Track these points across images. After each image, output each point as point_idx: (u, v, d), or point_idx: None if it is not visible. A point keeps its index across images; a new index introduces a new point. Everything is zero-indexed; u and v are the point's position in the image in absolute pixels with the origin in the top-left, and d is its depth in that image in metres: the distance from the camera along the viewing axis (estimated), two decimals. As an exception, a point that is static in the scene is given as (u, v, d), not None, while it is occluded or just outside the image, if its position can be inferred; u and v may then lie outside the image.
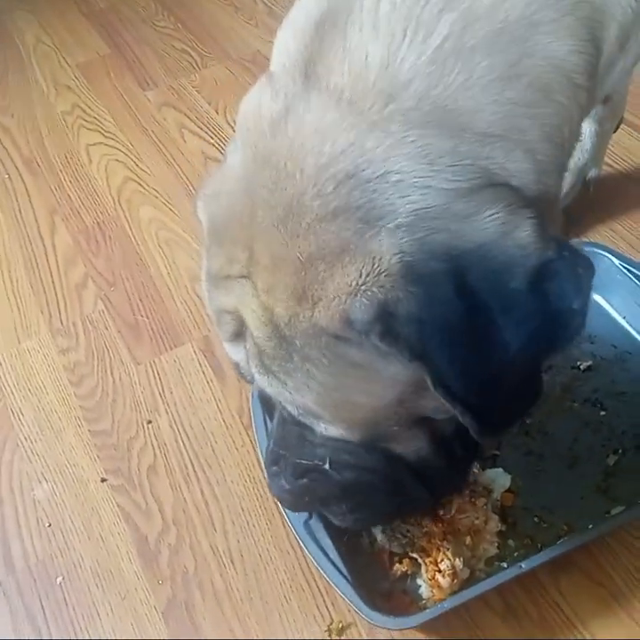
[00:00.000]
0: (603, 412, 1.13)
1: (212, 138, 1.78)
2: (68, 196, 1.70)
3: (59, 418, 1.28)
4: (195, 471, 1.17)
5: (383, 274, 0.67)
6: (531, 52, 0.71)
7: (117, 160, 1.77)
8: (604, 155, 1.40)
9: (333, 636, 0.98)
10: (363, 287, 0.67)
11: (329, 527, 0.98)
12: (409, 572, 0.99)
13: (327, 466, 0.88)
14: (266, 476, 0.97)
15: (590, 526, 0.99)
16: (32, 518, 1.15)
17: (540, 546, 1.00)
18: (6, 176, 1.79)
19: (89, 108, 1.95)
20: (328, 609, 1.00)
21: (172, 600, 1.04)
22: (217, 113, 1.86)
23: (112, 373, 1.33)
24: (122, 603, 1.05)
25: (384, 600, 0.97)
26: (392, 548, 0.99)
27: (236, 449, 1.18)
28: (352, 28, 0.71)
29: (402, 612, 0.95)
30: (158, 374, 1.32)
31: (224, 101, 1.88)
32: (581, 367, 1.18)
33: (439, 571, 0.95)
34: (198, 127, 1.82)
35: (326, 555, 0.97)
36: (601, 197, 1.42)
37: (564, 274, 0.69)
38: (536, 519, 1.03)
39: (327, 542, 0.98)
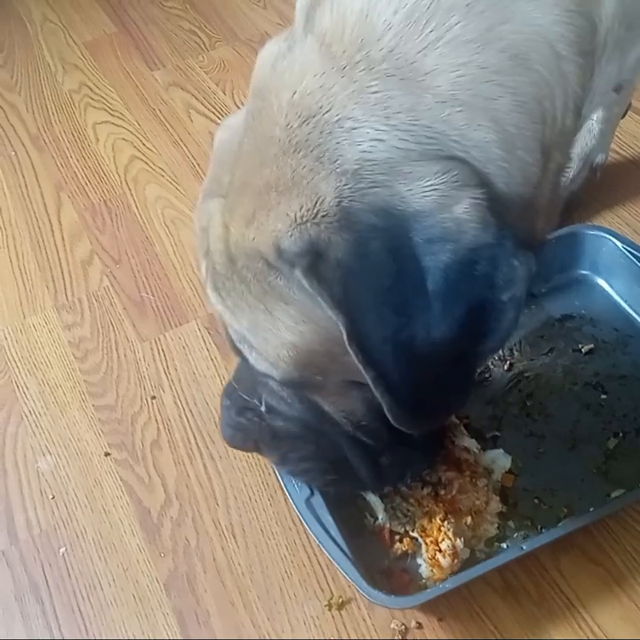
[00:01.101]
0: (604, 396, 1.13)
1: (219, 118, 1.78)
2: (75, 173, 1.70)
3: (63, 392, 1.29)
4: (198, 446, 1.18)
5: (321, 213, 0.68)
6: (510, 18, 0.70)
7: (124, 139, 1.77)
8: (612, 140, 1.40)
9: (333, 611, 0.99)
10: (299, 220, 0.69)
11: (330, 504, 0.99)
12: (409, 552, 0.99)
13: (263, 408, 0.91)
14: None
15: (591, 509, 0.99)
16: (36, 490, 1.16)
17: (540, 527, 1.01)
18: (13, 153, 1.79)
19: (96, 86, 1.94)
20: (328, 584, 1.02)
21: (173, 572, 1.05)
22: (224, 93, 1.86)
23: (117, 349, 1.33)
24: (124, 574, 1.06)
25: (384, 578, 0.98)
26: (393, 527, 1.00)
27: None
28: None
29: (402, 591, 0.96)
30: (163, 351, 1.32)
31: (231, 82, 1.88)
32: (583, 350, 1.19)
33: (439, 550, 0.96)
34: (205, 107, 1.82)
35: (327, 532, 0.97)
36: (607, 183, 1.42)
37: (496, 261, 0.68)
38: (536, 501, 1.03)
39: (328, 519, 0.98)
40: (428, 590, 0.94)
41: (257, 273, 0.74)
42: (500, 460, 1.05)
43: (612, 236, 1.23)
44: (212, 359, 1.29)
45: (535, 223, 0.78)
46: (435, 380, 0.71)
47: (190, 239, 1.50)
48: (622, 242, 1.22)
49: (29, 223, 1.60)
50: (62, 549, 1.09)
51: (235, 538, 1.07)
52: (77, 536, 1.11)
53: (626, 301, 1.23)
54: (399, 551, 0.99)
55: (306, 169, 0.70)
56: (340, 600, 1.00)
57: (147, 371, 1.29)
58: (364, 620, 0.98)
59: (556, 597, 0.98)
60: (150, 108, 1.85)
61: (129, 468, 1.17)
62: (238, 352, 0.85)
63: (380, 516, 1.01)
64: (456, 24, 0.70)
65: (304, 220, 0.69)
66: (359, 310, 0.68)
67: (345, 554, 0.95)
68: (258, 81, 0.77)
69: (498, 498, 1.02)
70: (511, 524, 1.02)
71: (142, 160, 1.71)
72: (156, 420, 1.22)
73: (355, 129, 0.69)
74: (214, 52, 2.01)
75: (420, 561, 0.99)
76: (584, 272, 1.26)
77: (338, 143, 0.69)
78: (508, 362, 1.17)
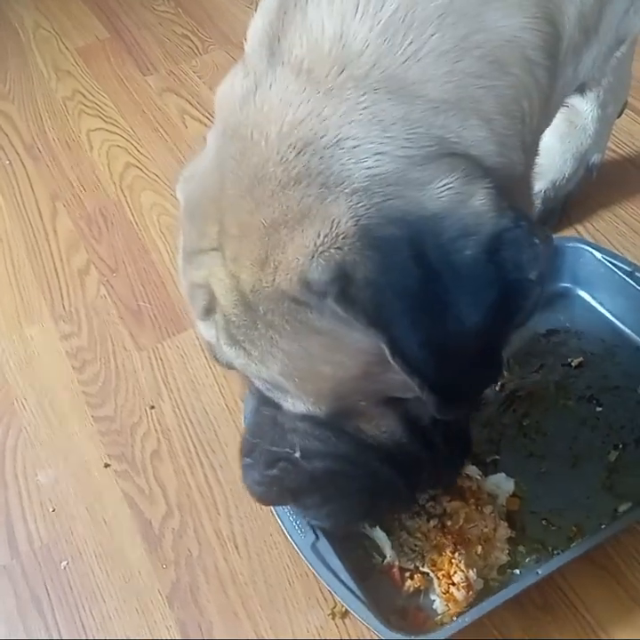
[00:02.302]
0: (599, 408, 1.12)
1: (213, 123, 1.77)
2: (70, 181, 1.70)
3: (62, 403, 1.28)
4: (198, 456, 1.17)
5: (341, 236, 0.68)
6: (482, 27, 0.72)
7: (118, 146, 1.77)
8: (608, 140, 1.40)
9: (336, 620, 0.99)
10: (320, 248, 0.68)
11: (337, 548, 0.97)
12: (422, 588, 0.97)
13: (297, 454, 0.88)
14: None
15: (603, 526, 0.99)
16: (36, 503, 1.16)
17: (551, 549, 0.99)
18: (7, 162, 1.78)
19: (89, 93, 1.94)
20: (331, 593, 1.01)
21: (176, 584, 1.05)
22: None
23: (115, 359, 1.33)
24: (126, 586, 1.06)
25: (399, 618, 0.95)
26: (402, 564, 0.98)
27: (240, 433, 1.17)
28: (311, 5, 0.73)
29: (418, 629, 0.93)
30: (161, 360, 1.32)
31: (225, 87, 1.87)
32: (572, 364, 1.18)
33: (453, 583, 0.94)
34: (200, 112, 1.82)
35: (337, 576, 0.95)
36: (604, 182, 1.42)
37: (519, 243, 0.69)
38: (544, 522, 1.02)
39: (336, 563, 0.96)
40: (448, 626, 0.92)
41: (284, 314, 0.72)
42: (503, 484, 1.03)
43: (591, 248, 1.23)
44: (210, 367, 1.28)
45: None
46: (470, 366, 0.72)
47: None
48: (601, 252, 1.22)
49: (25, 233, 1.59)
50: (64, 563, 1.09)
51: (237, 548, 1.07)
52: (79, 549, 1.10)
53: (609, 311, 1.22)
54: (411, 588, 0.97)
55: (311, 198, 0.69)
56: (344, 609, 0.99)
57: (145, 380, 1.29)
58: (368, 628, 0.97)
59: (561, 603, 0.97)
60: (144, 114, 1.85)
61: (129, 479, 1.17)
62: (267, 401, 0.84)
63: (388, 554, 0.98)
64: (432, 36, 0.71)
65: (325, 246, 0.68)
66: (395, 323, 0.68)
67: (358, 598, 0.93)
68: (228, 122, 0.75)
69: (505, 523, 1.00)
70: (521, 549, 1.00)
71: (137, 167, 1.70)
72: (156, 430, 1.22)
73: (356, 147, 0.69)
74: (207, 56, 2.00)
75: (433, 596, 0.96)
76: (565, 285, 1.25)
77: (342, 165, 0.69)
78: (499, 382, 1.15)
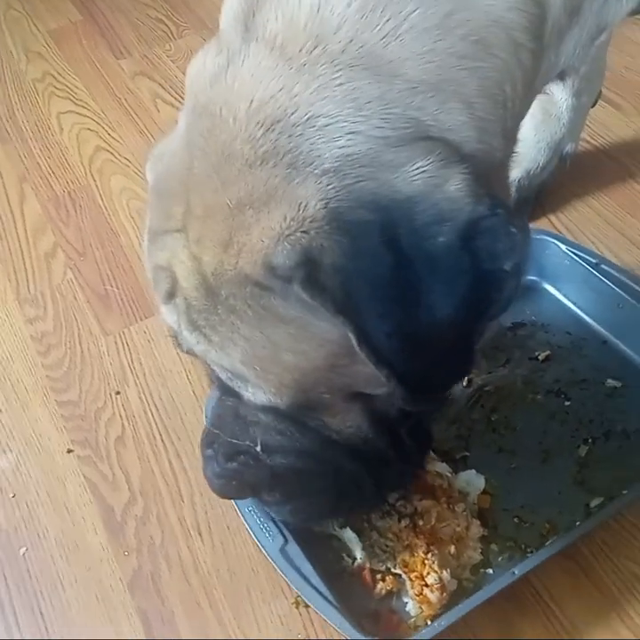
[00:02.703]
0: (567, 402, 1.12)
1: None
2: (38, 164, 1.67)
3: (25, 388, 1.26)
4: (163, 443, 1.16)
5: (308, 220, 0.65)
6: (467, 5, 0.70)
7: (89, 129, 1.74)
8: (582, 130, 1.40)
9: (300, 608, 0.97)
10: (286, 232, 0.65)
11: (306, 550, 0.95)
12: (394, 590, 0.95)
13: (258, 448, 0.85)
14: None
15: (577, 523, 0.98)
16: (-4, 488, 1.14)
17: (524, 547, 0.98)
18: (-25, 143, 1.75)
19: (60, 75, 1.90)
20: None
21: (137, 571, 1.03)
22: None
23: (80, 344, 1.30)
24: (87, 574, 1.04)
25: (372, 622, 0.92)
26: (373, 565, 0.95)
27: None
28: None
29: (391, 633, 0.91)
30: (127, 345, 1.30)
31: (199, 71, 1.85)
32: (539, 357, 1.17)
33: (426, 585, 0.92)
34: (172, 97, 1.79)
35: (308, 581, 0.92)
36: (577, 173, 1.42)
37: (495, 232, 0.67)
38: (516, 520, 1.00)
39: (307, 567, 0.93)
40: (424, 630, 0.90)
41: (247, 298, 0.70)
42: (473, 481, 1.01)
43: (556, 239, 1.22)
44: (177, 354, 1.24)
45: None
46: (441, 359, 0.70)
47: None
48: (566, 244, 1.21)
49: (-9, 215, 1.57)
50: (23, 549, 1.07)
51: (201, 536, 1.05)
52: (39, 535, 1.08)
53: (575, 304, 1.22)
54: (383, 591, 0.95)
55: (279, 178, 0.67)
56: (308, 598, 0.98)
57: (111, 365, 1.27)
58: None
59: (530, 596, 0.96)
60: (116, 98, 1.82)
61: (92, 465, 1.14)
62: (228, 391, 0.82)
63: (358, 556, 0.96)
64: (413, 12, 0.68)
65: (291, 230, 0.65)
66: (363, 311, 0.66)
67: (331, 603, 0.90)
68: (198, 99, 0.72)
69: (478, 522, 0.98)
70: (494, 547, 0.98)
71: (107, 150, 1.68)
72: (121, 416, 1.20)
73: (328, 125, 0.66)
74: (182, 40, 1.98)
75: (406, 599, 0.94)
76: (530, 277, 1.24)
77: (312, 144, 0.66)
78: (466, 377, 1.13)
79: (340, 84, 0.67)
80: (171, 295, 0.78)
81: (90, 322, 1.34)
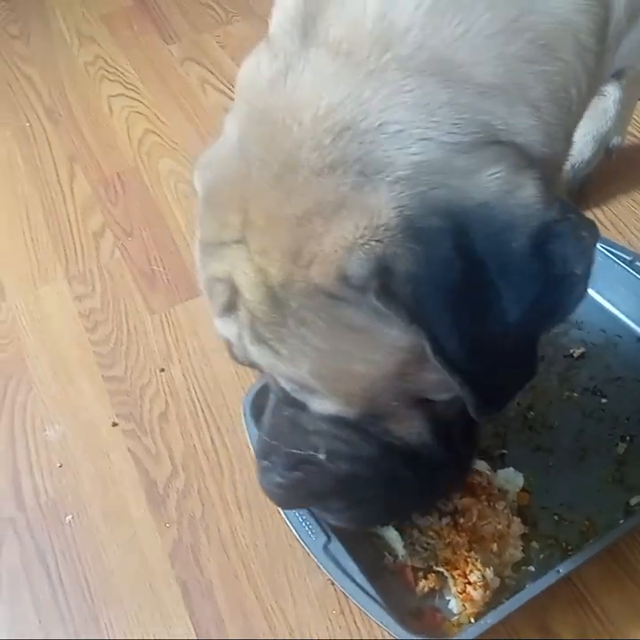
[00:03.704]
0: (603, 400, 1.12)
1: (234, 93, 1.76)
2: (88, 145, 1.70)
3: (72, 362, 1.29)
4: (205, 419, 1.18)
5: (382, 228, 0.64)
6: (533, 8, 0.69)
7: (138, 112, 1.77)
8: (629, 123, 1.39)
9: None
10: (360, 241, 0.65)
11: (349, 548, 0.95)
12: (436, 588, 0.95)
13: (322, 456, 0.85)
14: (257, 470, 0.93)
15: (621, 521, 0.98)
16: (43, 458, 1.17)
17: (564, 545, 0.98)
18: (28, 124, 1.78)
19: (111, 59, 1.94)
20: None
21: (178, 543, 1.06)
22: (240, 69, 1.84)
23: (127, 321, 1.34)
24: (129, 543, 1.07)
25: (414, 619, 0.92)
26: (414, 563, 0.96)
27: (247, 400, 1.19)
28: None
29: (434, 631, 0.91)
30: (172, 324, 1.32)
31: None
32: (574, 355, 1.17)
33: (469, 583, 0.92)
34: (221, 82, 1.81)
35: (352, 579, 0.93)
36: (623, 166, 1.41)
37: (567, 236, 0.66)
38: (556, 517, 1.01)
39: (350, 565, 0.94)
40: (470, 628, 0.90)
41: (317, 309, 0.69)
42: (512, 478, 1.01)
43: None
44: (221, 334, 1.29)
45: None
46: (508, 364, 0.69)
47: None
48: (600, 242, 1.19)
49: (42, 194, 1.60)
50: (68, 517, 1.10)
51: (240, 511, 1.08)
52: (84, 504, 1.11)
53: (609, 301, 1.21)
54: (425, 588, 0.95)
55: (348, 186, 0.66)
56: (343, 575, 1.00)
57: (156, 343, 1.30)
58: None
59: (564, 587, 0.96)
60: (165, 82, 1.85)
61: (136, 438, 1.18)
62: (288, 402, 0.81)
63: (399, 554, 0.96)
64: (482, 15, 0.68)
65: (365, 239, 0.64)
66: (435, 319, 0.65)
67: (375, 600, 0.91)
68: (254, 105, 0.71)
69: (519, 519, 0.98)
70: (535, 544, 0.98)
71: (156, 134, 1.71)
72: (165, 393, 1.22)
73: (400, 132, 0.66)
74: (231, 27, 2.00)
75: (448, 596, 0.95)
76: None
77: (384, 151, 0.65)
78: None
79: (411, 90, 0.66)
80: (229, 308, 0.77)
81: (136, 300, 1.37)
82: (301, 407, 0.81)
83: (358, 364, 0.72)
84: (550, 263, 0.66)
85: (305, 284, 0.68)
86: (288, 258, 0.68)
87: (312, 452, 0.85)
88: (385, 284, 0.64)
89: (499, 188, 0.66)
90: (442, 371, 0.68)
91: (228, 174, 0.74)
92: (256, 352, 0.75)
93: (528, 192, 0.66)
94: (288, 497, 0.91)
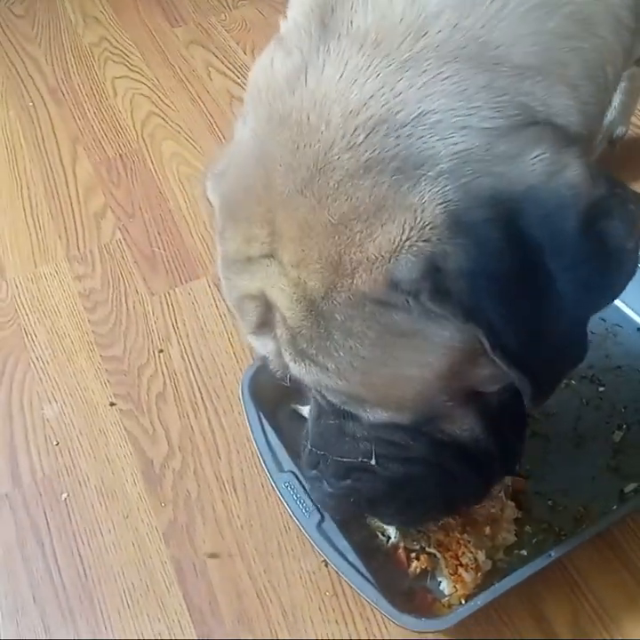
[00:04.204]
0: (601, 388, 1.12)
1: (238, 77, 1.77)
2: (92, 126, 1.70)
3: (71, 342, 1.29)
4: (203, 400, 1.18)
5: (428, 227, 0.61)
6: None
7: (142, 94, 1.77)
8: (633, 113, 1.39)
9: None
10: (406, 243, 0.62)
11: (343, 528, 0.95)
12: (428, 569, 0.95)
13: (373, 461, 0.82)
14: (304, 482, 0.94)
15: (614, 507, 0.98)
16: (40, 436, 1.17)
17: (557, 530, 0.98)
18: (31, 104, 1.78)
19: (116, 40, 1.94)
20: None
21: (173, 522, 1.06)
22: (245, 53, 1.84)
23: (126, 302, 1.34)
24: (124, 521, 1.07)
25: (406, 600, 0.92)
26: (407, 545, 0.96)
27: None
28: None
29: (425, 611, 0.91)
30: (172, 306, 1.32)
31: (253, 42, 1.87)
32: None
33: (461, 564, 0.92)
34: (225, 66, 1.81)
35: (345, 557, 0.93)
36: (626, 156, 1.41)
37: (616, 212, 0.64)
38: (550, 503, 1.01)
39: (343, 544, 0.94)
40: (461, 609, 0.90)
41: (366, 319, 0.66)
42: None
43: None
44: (220, 316, 1.29)
45: None
46: (561, 348, 0.67)
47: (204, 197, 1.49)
48: None
49: (44, 174, 1.60)
50: (64, 495, 1.10)
51: (235, 491, 1.08)
52: (80, 483, 1.11)
53: None
54: (417, 570, 0.95)
55: (386, 185, 0.62)
56: (337, 557, 1.00)
57: (155, 324, 1.30)
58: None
59: (556, 570, 0.96)
60: (170, 65, 1.85)
61: (134, 418, 1.18)
62: (335, 412, 0.78)
63: (392, 535, 0.97)
64: None
65: (412, 240, 0.61)
66: (491, 313, 0.62)
67: (367, 579, 0.91)
68: (273, 107, 0.67)
69: (513, 504, 0.98)
70: (528, 529, 0.98)
71: (159, 116, 1.70)
72: (163, 374, 1.23)
73: (440, 122, 0.62)
74: (236, 11, 1.99)
75: (440, 578, 0.95)
76: None
77: (424, 143, 0.62)
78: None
79: (448, 77, 0.63)
80: (263, 325, 0.73)
81: (136, 281, 1.37)
82: (348, 416, 0.78)
83: (411, 368, 0.70)
84: (602, 241, 0.64)
85: (350, 293, 0.65)
86: (328, 267, 0.65)
87: (362, 459, 0.82)
88: (437, 283, 0.62)
89: (544, 169, 0.63)
90: (498, 365, 0.66)
91: (247, 183, 0.69)
92: (299, 369, 0.72)
93: (574, 171, 0.63)
94: (340, 505, 0.89)
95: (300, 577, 1.00)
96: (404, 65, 0.63)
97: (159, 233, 1.45)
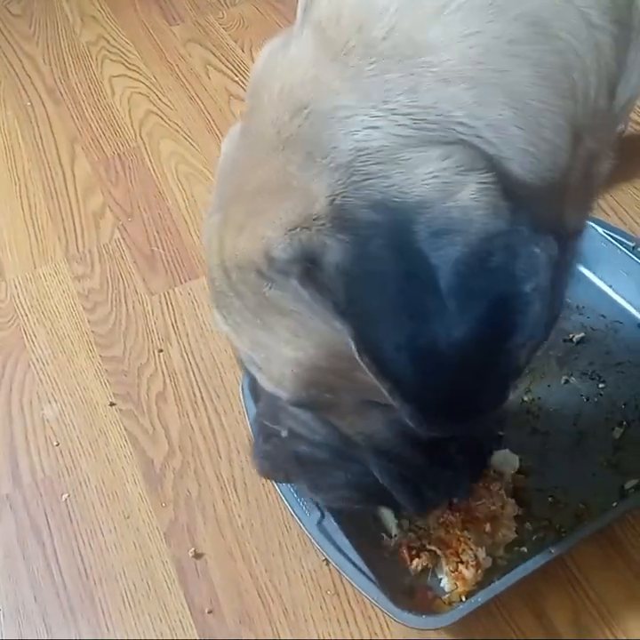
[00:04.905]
0: (602, 385, 1.11)
1: (236, 75, 1.77)
2: (90, 125, 1.70)
3: (71, 342, 1.29)
4: (203, 400, 1.18)
5: (313, 216, 0.61)
6: None
7: (140, 93, 1.77)
8: (632, 110, 1.38)
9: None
10: (288, 226, 0.62)
11: (344, 525, 0.95)
12: (429, 566, 0.95)
13: (284, 433, 0.86)
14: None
15: (614, 504, 0.98)
16: (40, 436, 1.17)
17: (558, 527, 0.98)
18: (28, 103, 1.78)
19: (114, 39, 1.93)
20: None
21: (173, 522, 1.06)
22: (243, 51, 1.84)
23: (126, 302, 1.34)
24: (125, 522, 1.07)
25: (406, 597, 0.92)
26: (406, 542, 0.96)
27: (245, 381, 1.19)
28: None
29: (425, 608, 0.91)
30: (172, 305, 1.32)
31: (250, 40, 1.87)
32: (574, 339, 1.16)
33: (461, 562, 0.92)
34: (223, 64, 1.81)
35: (345, 555, 0.93)
36: (626, 153, 1.40)
37: (514, 250, 0.60)
38: (551, 500, 1.00)
39: (343, 542, 0.94)
40: (462, 606, 0.90)
41: (251, 285, 0.68)
42: (508, 460, 1.01)
43: (593, 223, 1.20)
44: (220, 315, 1.29)
45: (564, 212, 0.71)
46: (462, 385, 0.64)
47: (203, 195, 1.50)
48: (602, 227, 1.20)
49: (43, 174, 1.60)
50: (65, 495, 1.10)
51: (236, 491, 1.08)
52: (80, 483, 1.11)
53: (611, 287, 1.21)
54: (419, 567, 0.95)
55: (295, 167, 0.64)
56: (338, 556, 1.00)
57: (155, 324, 1.30)
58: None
59: (557, 567, 0.96)
60: (167, 63, 1.84)
61: (134, 418, 1.18)
62: (249, 374, 0.81)
63: (393, 532, 0.97)
64: None
65: (294, 225, 0.62)
66: (367, 318, 0.61)
67: (368, 577, 0.91)
68: (252, 81, 0.72)
69: (513, 501, 0.97)
70: (528, 526, 0.98)
71: (158, 115, 1.70)
72: (163, 373, 1.23)
73: (348, 117, 0.63)
74: (234, 8, 1.99)
75: (440, 575, 0.95)
76: None
77: (331, 135, 0.63)
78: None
79: (373, 76, 0.63)
80: (208, 273, 0.77)
81: (135, 281, 1.37)
82: None
83: (286, 347, 0.70)
84: (494, 278, 0.61)
85: (242, 257, 0.68)
86: (236, 229, 0.69)
87: (279, 428, 0.87)
88: (309, 273, 0.62)
89: (438, 186, 0.60)
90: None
91: (232, 146, 0.75)
92: (217, 317, 0.76)
93: (470, 195, 0.60)
94: (263, 467, 0.93)
95: (302, 576, 1.00)
96: (337, 57, 0.64)
97: (158, 232, 1.45)
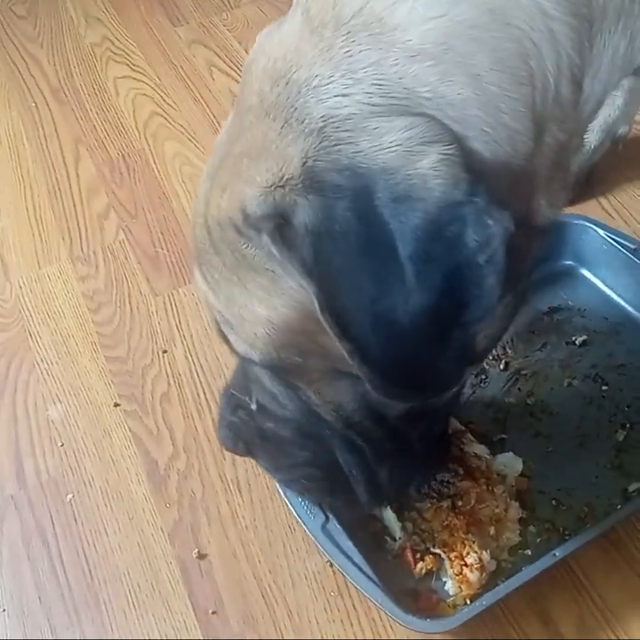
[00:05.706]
0: (605, 387, 1.12)
1: (240, 76, 1.77)
2: (94, 126, 1.70)
3: (75, 343, 1.30)
4: (207, 401, 1.19)
5: (287, 176, 0.65)
6: None
7: (145, 94, 1.77)
8: (636, 112, 1.39)
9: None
10: (264, 184, 0.66)
11: (348, 529, 0.95)
12: (433, 569, 0.95)
13: (254, 406, 0.87)
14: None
15: (618, 507, 0.98)
16: (45, 437, 1.18)
17: (561, 529, 0.98)
18: (33, 104, 1.79)
19: (118, 40, 1.94)
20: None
21: (178, 523, 1.06)
22: (247, 52, 1.82)
23: (130, 303, 1.34)
24: (129, 522, 1.07)
25: (411, 600, 0.93)
26: (411, 545, 0.97)
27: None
28: None
29: (429, 612, 0.92)
30: (176, 306, 1.33)
31: (254, 41, 1.86)
32: (576, 342, 1.17)
33: (466, 565, 0.92)
34: (228, 65, 1.81)
35: (350, 558, 0.93)
36: (629, 156, 1.41)
37: (467, 220, 0.62)
38: (554, 502, 1.01)
39: (348, 545, 0.94)
40: (466, 609, 0.90)
41: (229, 242, 0.71)
42: (511, 463, 1.02)
43: (594, 225, 1.21)
44: (224, 316, 1.29)
45: (532, 200, 0.74)
46: (419, 353, 0.66)
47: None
48: (604, 230, 1.20)
49: (47, 175, 1.60)
50: (69, 496, 1.11)
51: (240, 492, 1.08)
52: (85, 484, 1.12)
53: (613, 290, 1.21)
54: (423, 570, 0.95)
55: (274, 132, 0.68)
56: (342, 557, 1.00)
57: (159, 325, 1.30)
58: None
59: (561, 570, 0.96)
60: (172, 65, 1.84)
61: (138, 419, 1.18)
62: (223, 337, 0.81)
63: (397, 535, 0.97)
64: None
65: (269, 183, 0.66)
66: (332, 278, 0.64)
67: (373, 581, 0.91)
68: (246, 60, 0.77)
69: (517, 504, 0.98)
70: (532, 529, 0.98)
71: (162, 116, 1.71)
72: (167, 374, 1.23)
73: (321, 86, 0.67)
74: (238, 10, 1.99)
75: (445, 578, 0.95)
76: (568, 263, 1.24)
77: (305, 102, 0.68)
78: (502, 361, 1.15)
79: (341, 48, 0.68)
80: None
81: (140, 282, 1.37)
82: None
83: (260, 305, 0.73)
84: (449, 247, 0.63)
85: (222, 215, 0.71)
86: (219, 189, 0.72)
87: (248, 400, 0.88)
88: (280, 229, 0.65)
89: (402, 154, 0.64)
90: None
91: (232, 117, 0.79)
92: (198, 277, 0.78)
93: (430, 164, 0.63)
94: (226, 438, 0.94)
95: (306, 577, 1.00)
96: (314, 31, 0.70)
97: (162, 233, 1.45)
